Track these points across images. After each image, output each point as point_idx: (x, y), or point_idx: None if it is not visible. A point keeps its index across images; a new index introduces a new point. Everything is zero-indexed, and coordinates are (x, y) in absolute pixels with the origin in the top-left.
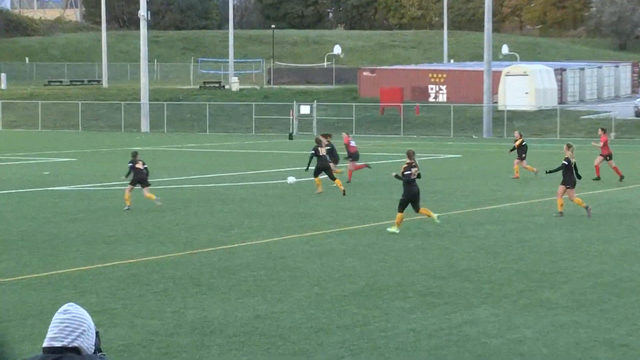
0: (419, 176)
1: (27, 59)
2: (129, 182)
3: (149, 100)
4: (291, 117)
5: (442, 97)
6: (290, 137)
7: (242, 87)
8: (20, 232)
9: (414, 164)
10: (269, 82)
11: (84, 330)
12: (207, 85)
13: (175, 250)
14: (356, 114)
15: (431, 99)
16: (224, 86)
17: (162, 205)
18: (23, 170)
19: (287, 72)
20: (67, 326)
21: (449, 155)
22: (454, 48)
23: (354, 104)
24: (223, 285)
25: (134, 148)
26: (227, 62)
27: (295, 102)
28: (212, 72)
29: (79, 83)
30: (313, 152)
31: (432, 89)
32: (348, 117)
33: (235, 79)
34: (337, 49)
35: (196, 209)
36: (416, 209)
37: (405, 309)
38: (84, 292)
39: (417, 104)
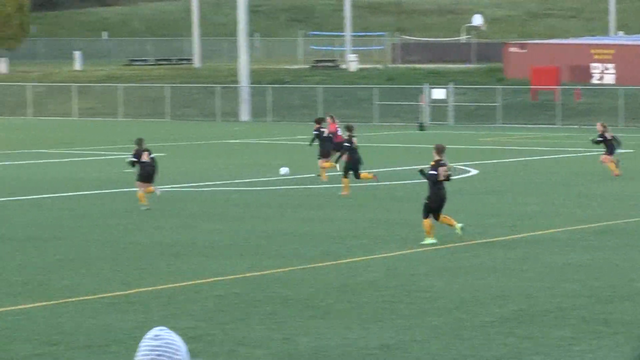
0: (448, 179)
1: (104, 33)
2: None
3: (250, 83)
4: (422, 104)
5: (609, 79)
6: (421, 127)
7: (361, 66)
8: (100, 242)
9: (442, 162)
10: (394, 61)
11: None
12: (320, 64)
13: (284, 265)
14: (502, 100)
15: (595, 81)
16: (339, 66)
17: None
18: (101, 167)
19: (417, 48)
20: (159, 355)
21: (618, 151)
22: (624, 17)
23: (498, 87)
24: (342, 308)
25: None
26: (343, 36)
27: (426, 85)
28: (325, 48)
29: (165, 62)
30: (348, 144)
31: (596, 68)
32: (491, 102)
33: (353, 57)
34: (477, 19)
35: (308, 214)
36: (436, 217)
37: (565, 339)
38: (176, 314)
39: (578, 87)
